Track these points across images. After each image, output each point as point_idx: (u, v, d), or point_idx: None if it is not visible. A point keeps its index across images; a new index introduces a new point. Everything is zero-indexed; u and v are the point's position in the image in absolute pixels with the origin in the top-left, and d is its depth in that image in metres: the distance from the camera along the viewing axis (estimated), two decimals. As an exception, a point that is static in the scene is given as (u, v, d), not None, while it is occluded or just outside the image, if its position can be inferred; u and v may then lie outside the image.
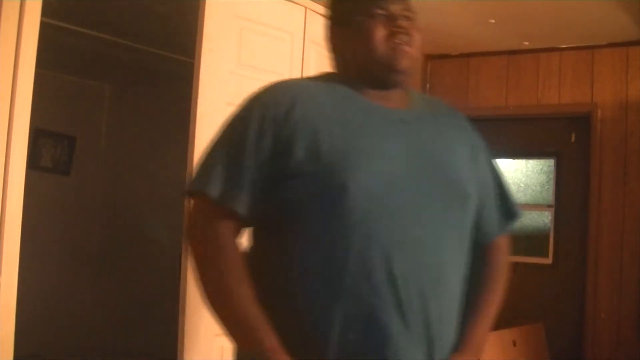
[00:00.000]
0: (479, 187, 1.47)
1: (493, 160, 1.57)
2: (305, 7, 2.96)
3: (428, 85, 3.99)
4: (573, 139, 3.68)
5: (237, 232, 1.34)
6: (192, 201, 1.41)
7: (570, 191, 3.71)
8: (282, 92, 1.41)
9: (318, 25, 3.05)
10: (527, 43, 3.59)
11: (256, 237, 1.40)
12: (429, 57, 3.98)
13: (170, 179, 3.66)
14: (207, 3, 2.49)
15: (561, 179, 3.75)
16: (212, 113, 2.53)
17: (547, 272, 3.73)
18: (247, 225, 1.36)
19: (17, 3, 2.06)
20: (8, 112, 2.05)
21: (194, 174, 1.37)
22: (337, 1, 1.52)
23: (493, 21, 3.22)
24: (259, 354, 1.26)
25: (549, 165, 3.83)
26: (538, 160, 3.87)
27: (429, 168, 1.37)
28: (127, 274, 4.83)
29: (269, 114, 1.34)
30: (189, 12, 2.59)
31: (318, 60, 3.04)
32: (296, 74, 2.91)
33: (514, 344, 3.26)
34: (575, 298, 3.57)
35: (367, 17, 1.42)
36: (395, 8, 1.43)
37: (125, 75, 4.74)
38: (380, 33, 1.41)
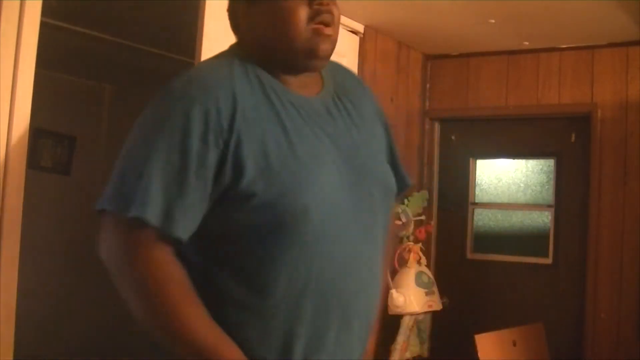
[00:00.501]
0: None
1: (389, 128, 1.47)
2: (305, 7, 2.97)
3: (428, 85, 3.99)
4: (573, 139, 3.68)
5: (169, 247, 1.13)
6: (110, 219, 1.15)
7: (570, 191, 3.71)
8: (215, 85, 1.18)
9: (318, 25, 3.05)
10: (527, 43, 3.59)
11: (198, 251, 1.18)
12: (429, 57, 3.98)
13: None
14: (207, 3, 2.49)
15: (561, 179, 3.75)
16: (212, 113, 2.53)
17: (547, 272, 3.73)
18: (181, 242, 1.14)
19: (17, 3, 2.06)
20: (8, 112, 2.04)
21: (116, 188, 1.15)
22: None
23: (493, 21, 3.22)
24: None
25: (549, 165, 3.83)
26: (538, 160, 3.87)
27: (357, 172, 1.25)
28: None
29: (211, 118, 1.12)
30: (189, 12, 2.59)
31: (318, 60, 3.04)
32: (296, 74, 2.90)
33: (514, 344, 3.26)
34: (575, 298, 3.57)
35: None
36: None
37: (125, 75, 4.74)
38: (302, 13, 1.22)
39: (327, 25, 1.26)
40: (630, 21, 3.09)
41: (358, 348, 1.27)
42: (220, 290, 1.16)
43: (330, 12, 1.26)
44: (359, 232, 1.22)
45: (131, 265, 1.15)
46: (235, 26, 1.35)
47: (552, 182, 3.80)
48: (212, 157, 1.11)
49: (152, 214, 1.09)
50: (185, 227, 1.11)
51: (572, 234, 3.65)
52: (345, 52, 3.26)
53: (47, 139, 4.75)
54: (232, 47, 1.35)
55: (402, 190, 1.44)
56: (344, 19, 3.24)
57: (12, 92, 2.05)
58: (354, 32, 3.33)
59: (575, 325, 3.54)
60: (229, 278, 1.16)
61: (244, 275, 1.15)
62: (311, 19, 1.24)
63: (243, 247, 1.15)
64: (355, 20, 3.30)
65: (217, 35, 2.54)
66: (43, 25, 2.13)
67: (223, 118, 1.13)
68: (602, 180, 3.47)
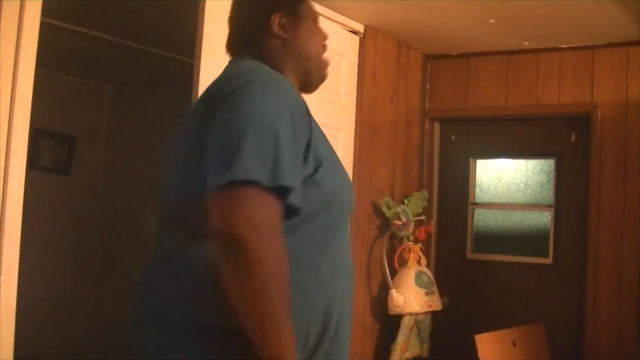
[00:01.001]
0: None
1: None
2: (305, 7, 2.96)
3: (428, 85, 4.00)
4: (573, 139, 3.68)
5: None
6: (243, 190, 1.12)
7: (570, 191, 3.71)
8: (295, 91, 1.32)
9: (318, 25, 3.05)
10: (527, 43, 3.59)
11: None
12: (429, 57, 3.98)
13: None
14: (207, 3, 2.49)
15: (561, 179, 3.75)
16: (212, 113, 2.53)
17: (547, 272, 3.73)
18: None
19: (17, 3, 2.06)
20: (8, 112, 2.05)
21: (258, 161, 1.13)
22: None
23: (493, 21, 3.22)
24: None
25: (549, 165, 3.83)
26: (538, 160, 3.87)
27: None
28: (127, 273, 4.83)
29: (298, 114, 1.24)
30: (189, 12, 2.59)
31: (318, 60, 3.04)
32: (296, 74, 2.91)
33: (514, 344, 3.26)
34: (575, 298, 3.57)
35: (313, 22, 1.48)
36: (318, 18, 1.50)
37: (125, 75, 4.74)
38: (318, 43, 1.47)
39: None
40: (630, 21, 3.09)
41: None
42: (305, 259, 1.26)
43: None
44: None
45: (272, 236, 1.13)
46: (260, 38, 1.43)
47: (552, 182, 3.80)
48: (302, 146, 1.23)
49: (290, 181, 1.15)
50: (296, 190, 1.18)
51: (572, 234, 3.65)
52: (345, 52, 3.27)
53: (47, 139, 4.75)
54: (251, 56, 1.43)
55: None
56: (344, 19, 3.24)
57: (12, 92, 2.05)
58: (354, 32, 3.33)
59: (575, 325, 3.54)
60: (300, 253, 1.24)
61: (310, 251, 1.28)
62: (324, 49, 1.46)
63: (307, 231, 1.26)
64: (355, 20, 3.30)
65: (217, 35, 2.54)
66: (43, 25, 2.14)
67: (305, 116, 1.26)
68: (602, 180, 3.47)
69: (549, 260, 3.74)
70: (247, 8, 1.48)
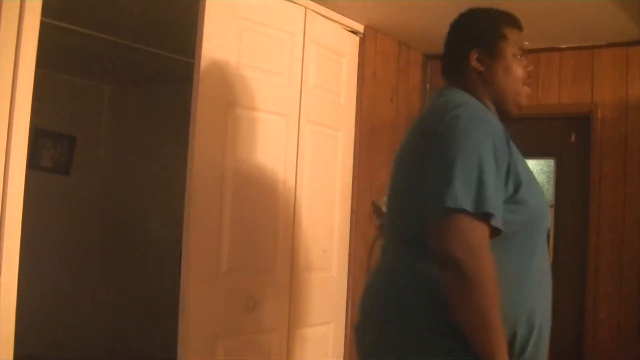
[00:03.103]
0: None
1: None
2: (305, 7, 2.96)
3: (428, 86, 4.00)
4: (573, 139, 3.68)
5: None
6: (454, 218, 1.37)
7: (570, 191, 3.71)
8: (493, 121, 1.52)
9: (318, 25, 3.05)
10: (527, 43, 3.58)
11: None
12: (429, 57, 3.98)
13: (170, 179, 3.67)
14: (207, 3, 2.49)
15: (561, 179, 3.75)
16: (212, 113, 2.53)
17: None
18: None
19: (17, 3, 2.06)
20: (8, 112, 2.05)
21: (465, 192, 1.37)
22: (485, 30, 1.68)
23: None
24: None
25: (549, 165, 3.83)
26: (538, 160, 3.87)
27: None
28: (127, 273, 4.83)
29: (499, 144, 1.44)
30: (189, 12, 2.59)
31: (318, 60, 3.04)
32: (296, 74, 2.91)
33: (514, 344, 3.26)
34: (575, 298, 3.57)
35: (514, 57, 1.66)
36: (526, 47, 1.69)
37: (125, 75, 4.74)
38: (520, 72, 1.67)
39: (529, 86, 1.67)
40: (630, 21, 3.09)
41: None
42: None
43: (532, 77, 1.65)
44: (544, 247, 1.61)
45: (477, 256, 1.36)
46: (474, 72, 1.65)
47: (552, 182, 3.80)
48: (503, 171, 1.44)
49: (493, 210, 1.38)
50: (499, 214, 1.41)
51: (572, 234, 3.65)
52: (345, 52, 3.27)
53: (47, 139, 4.75)
54: (457, 84, 1.67)
55: None
56: (344, 19, 3.24)
57: (12, 92, 2.05)
58: (354, 32, 3.33)
59: (575, 325, 3.54)
60: (507, 263, 1.46)
61: (516, 261, 1.50)
62: (525, 79, 1.68)
63: (513, 243, 1.48)
64: (355, 20, 3.30)
65: (217, 35, 2.54)
66: (43, 25, 2.14)
67: (505, 142, 1.46)
68: (602, 180, 3.47)
69: (549, 260, 3.74)
70: (453, 42, 1.76)
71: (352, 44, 3.32)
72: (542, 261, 1.56)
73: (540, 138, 3.82)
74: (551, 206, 3.78)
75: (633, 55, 3.42)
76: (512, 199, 1.45)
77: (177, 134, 3.01)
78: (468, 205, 1.35)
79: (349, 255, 3.21)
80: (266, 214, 2.75)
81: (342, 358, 3.23)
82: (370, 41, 3.44)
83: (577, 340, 3.50)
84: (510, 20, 1.73)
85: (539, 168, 3.87)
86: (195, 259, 2.45)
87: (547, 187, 3.84)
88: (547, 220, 1.61)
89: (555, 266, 3.72)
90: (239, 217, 2.63)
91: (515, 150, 1.50)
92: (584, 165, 3.57)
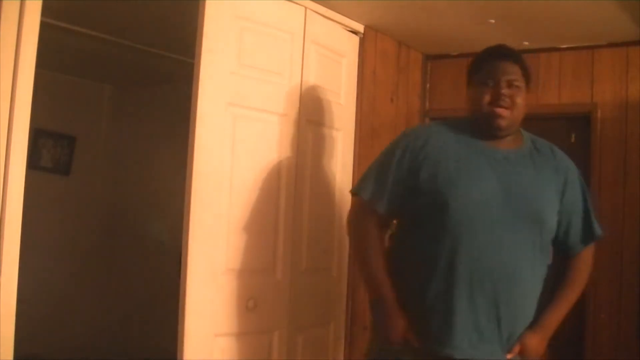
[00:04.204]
0: (566, 214, 2.02)
1: (584, 191, 2.08)
2: (305, 7, 2.96)
3: (428, 85, 4.00)
4: (573, 139, 3.68)
5: (379, 224, 2.05)
6: (353, 198, 2.16)
7: (570, 191, 3.71)
8: (422, 131, 2.16)
9: (318, 25, 3.05)
10: (527, 43, 3.59)
11: (398, 228, 2.09)
12: (429, 57, 3.98)
13: (170, 179, 3.66)
14: (207, 3, 2.49)
15: (561, 179, 3.75)
16: (212, 113, 2.53)
17: (546, 272, 3.72)
18: (386, 221, 2.08)
19: (17, 3, 2.06)
20: (8, 112, 2.05)
21: (359, 180, 2.12)
22: (470, 66, 2.10)
23: (493, 21, 3.22)
24: (381, 301, 1.99)
25: (549, 165, 3.83)
26: (538, 160, 3.86)
27: (512, 195, 1.91)
28: (127, 274, 4.84)
29: (410, 145, 2.01)
30: (189, 12, 2.59)
31: (318, 60, 3.04)
32: (296, 74, 2.91)
33: (514, 344, 3.25)
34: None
35: (480, 85, 2.00)
36: (501, 78, 1.97)
37: (125, 75, 4.74)
38: (485, 99, 1.99)
39: (504, 107, 1.96)
40: (630, 21, 3.09)
41: (500, 320, 1.91)
42: (412, 249, 1.99)
43: (508, 99, 1.97)
44: (497, 237, 1.88)
45: (356, 224, 2.12)
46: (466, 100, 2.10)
47: (552, 182, 3.79)
48: (405, 164, 1.99)
49: (365, 193, 2.04)
50: (383, 204, 2.01)
51: (572, 234, 3.65)
52: (345, 52, 3.27)
53: (47, 139, 4.76)
54: (459, 117, 2.14)
55: (590, 240, 2.11)
56: (344, 19, 3.24)
57: (12, 92, 2.05)
58: (354, 32, 3.33)
59: (575, 325, 3.54)
60: (416, 241, 1.97)
61: (422, 239, 1.96)
62: (491, 103, 1.97)
63: (419, 224, 1.97)
64: (355, 20, 3.30)
65: (217, 35, 2.54)
66: (43, 25, 2.14)
67: (418, 144, 2.00)
68: (602, 180, 3.47)
69: (548, 261, 3.74)
70: None
71: (352, 44, 3.32)
72: (452, 251, 1.89)
73: (540, 138, 3.81)
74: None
75: (633, 55, 3.42)
76: (420, 190, 1.95)
77: (177, 134, 3.01)
78: (356, 190, 2.10)
79: (349, 255, 3.21)
80: (266, 213, 2.75)
81: (342, 358, 3.23)
82: (370, 41, 3.44)
83: (577, 340, 3.50)
84: (490, 54, 2.06)
85: (539, 168, 3.87)
86: (196, 259, 2.45)
87: (547, 187, 3.83)
88: (473, 211, 1.89)
89: (555, 266, 3.72)
90: (239, 217, 2.63)
91: (439, 151, 1.97)
92: (584, 165, 3.57)
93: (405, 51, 3.77)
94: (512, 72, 1.99)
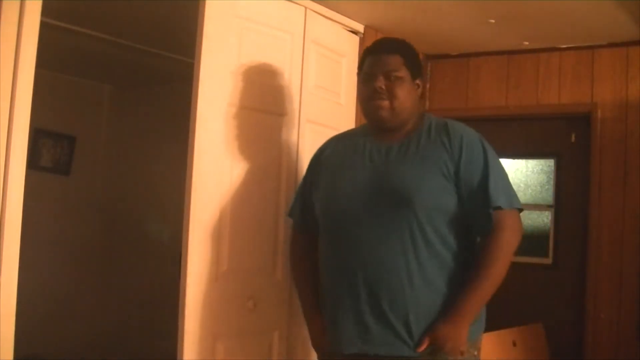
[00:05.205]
0: (465, 190, 1.91)
1: (486, 162, 1.94)
2: (305, 7, 2.96)
3: (428, 85, 4.00)
4: (573, 139, 3.68)
5: (303, 233, 2.25)
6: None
7: (570, 191, 3.71)
8: (324, 144, 2.23)
9: (318, 25, 3.05)
10: (527, 43, 3.59)
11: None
12: (429, 57, 3.98)
13: (170, 179, 3.66)
14: (207, 3, 2.49)
15: (561, 179, 3.75)
16: (212, 113, 2.53)
17: (547, 272, 3.73)
18: (311, 230, 2.19)
19: (17, 3, 2.06)
20: (8, 112, 2.05)
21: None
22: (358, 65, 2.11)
23: (493, 21, 3.22)
24: (304, 311, 2.21)
25: (549, 165, 3.83)
26: (538, 160, 3.87)
27: (380, 187, 1.92)
28: (127, 274, 4.83)
29: (312, 160, 2.21)
30: (189, 12, 2.59)
31: (318, 60, 3.04)
32: (296, 74, 2.91)
33: (514, 344, 3.26)
34: (575, 298, 3.57)
35: (361, 82, 2.03)
36: (377, 72, 1.96)
37: (125, 75, 4.74)
38: (364, 94, 2.03)
39: (381, 100, 1.96)
40: (630, 21, 3.09)
41: (371, 312, 1.93)
42: (320, 256, 2.14)
43: (385, 91, 1.96)
44: (367, 228, 1.92)
45: (290, 243, 2.40)
46: None
47: (552, 182, 3.80)
48: (307, 179, 2.22)
49: (289, 212, 2.35)
50: (297, 219, 2.28)
51: (572, 234, 3.65)
52: (346, 52, 3.27)
53: (47, 139, 4.76)
54: None
55: (488, 211, 1.92)
56: (344, 19, 3.24)
57: (12, 92, 2.05)
58: (354, 32, 3.33)
59: (575, 325, 3.54)
60: (320, 248, 2.13)
61: (320, 245, 2.13)
62: (370, 97, 1.99)
63: (320, 233, 2.12)
64: (355, 20, 3.30)
65: (217, 35, 2.54)
66: (43, 25, 2.14)
67: (315, 157, 2.22)
68: (602, 180, 3.47)
69: (548, 261, 3.74)
70: None
71: (352, 44, 3.32)
72: (335, 241, 2.01)
73: (540, 138, 3.82)
74: (551, 206, 3.78)
75: (633, 55, 3.43)
76: (314, 202, 2.12)
77: (177, 134, 3.00)
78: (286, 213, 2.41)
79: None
80: (266, 214, 2.75)
81: (342, 358, 3.23)
82: (370, 41, 3.42)
83: (577, 340, 3.50)
84: (369, 49, 2.10)
85: (539, 168, 3.87)
86: (195, 259, 2.45)
87: (547, 187, 3.84)
88: (338, 213, 2.02)
89: (555, 266, 3.73)
90: (239, 217, 2.63)
91: (330, 162, 2.13)
92: (584, 165, 3.57)
93: (405, 51, 3.76)
94: (390, 63, 1.98)
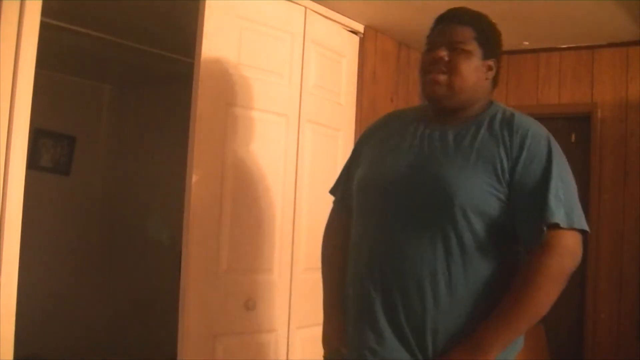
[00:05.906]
0: (515, 195, 1.57)
1: (549, 168, 1.60)
2: (305, 7, 2.96)
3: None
4: (573, 139, 3.68)
5: (342, 212, 1.88)
6: None
7: (570, 191, 3.71)
8: (381, 117, 1.89)
9: (318, 25, 3.05)
10: (527, 43, 3.59)
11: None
12: (429, 57, 3.98)
13: (170, 179, 3.67)
14: (207, 3, 2.49)
15: (561, 179, 3.75)
16: (212, 113, 2.53)
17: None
18: (350, 210, 1.80)
19: (17, 3, 2.06)
20: (8, 112, 2.05)
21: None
22: None
23: (493, 21, 3.22)
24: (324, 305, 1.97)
25: (549, 165, 3.83)
26: (538, 160, 3.86)
27: (419, 174, 1.62)
28: (127, 274, 4.83)
29: (364, 133, 1.89)
30: (189, 12, 2.59)
31: (318, 60, 3.04)
32: (296, 74, 2.91)
33: (514, 344, 3.25)
34: (575, 298, 3.57)
35: (423, 54, 1.71)
36: (441, 41, 1.68)
37: (125, 75, 4.74)
38: (422, 64, 1.69)
39: (439, 73, 1.64)
40: (630, 21, 3.09)
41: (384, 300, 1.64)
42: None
43: (443, 64, 1.64)
44: (395, 223, 1.62)
45: (326, 227, 2.02)
46: None
47: (552, 182, 3.79)
48: (357, 153, 1.86)
49: (332, 187, 1.97)
50: (338, 191, 1.93)
51: (572, 234, 3.65)
52: (345, 52, 3.27)
53: (47, 139, 4.76)
54: None
55: (540, 227, 1.53)
56: (344, 19, 3.24)
57: (12, 92, 2.05)
58: (354, 32, 3.33)
59: (575, 325, 3.54)
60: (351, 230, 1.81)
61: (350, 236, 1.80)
62: (426, 70, 1.66)
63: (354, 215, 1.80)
64: (355, 20, 3.30)
65: (217, 35, 2.54)
66: (43, 25, 2.14)
67: (366, 136, 1.88)
68: (602, 180, 3.47)
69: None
70: None
71: (352, 44, 3.32)
72: (361, 228, 1.73)
73: (540, 138, 3.81)
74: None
75: (633, 55, 3.43)
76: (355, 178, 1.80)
77: (177, 134, 3.01)
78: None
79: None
80: (266, 214, 2.75)
81: (342, 358, 3.23)
82: (370, 41, 3.44)
83: (577, 340, 3.50)
84: (438, 19, 1.80)
85: (539, 168, 3.87)
86: (195, 259, 2.45)
87: (547, 187, 3.83)
88: (371, 188, 1.71)
89: (555, 266, 3.72)
90: (238, 217, 2.63)
91: (371, 142, 1.82)
92: (584, 165, 3.57)
93: (405, 51, 3.77)
94: (457, 34, 1.68)
